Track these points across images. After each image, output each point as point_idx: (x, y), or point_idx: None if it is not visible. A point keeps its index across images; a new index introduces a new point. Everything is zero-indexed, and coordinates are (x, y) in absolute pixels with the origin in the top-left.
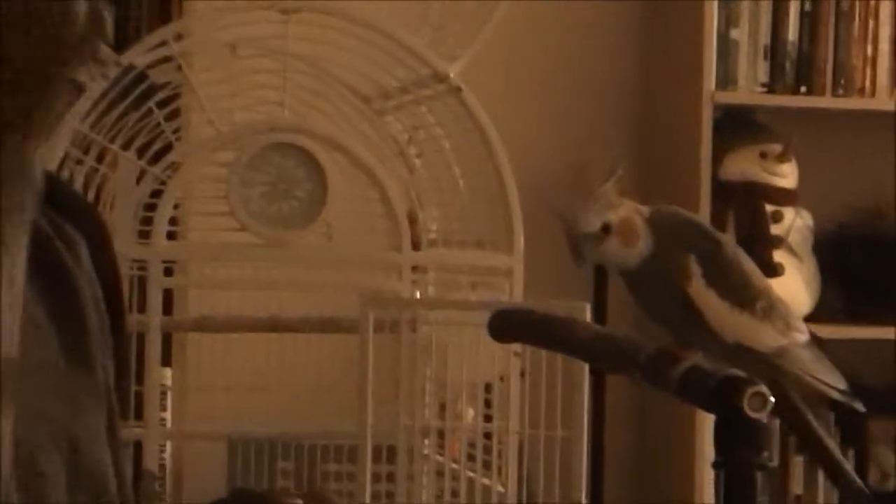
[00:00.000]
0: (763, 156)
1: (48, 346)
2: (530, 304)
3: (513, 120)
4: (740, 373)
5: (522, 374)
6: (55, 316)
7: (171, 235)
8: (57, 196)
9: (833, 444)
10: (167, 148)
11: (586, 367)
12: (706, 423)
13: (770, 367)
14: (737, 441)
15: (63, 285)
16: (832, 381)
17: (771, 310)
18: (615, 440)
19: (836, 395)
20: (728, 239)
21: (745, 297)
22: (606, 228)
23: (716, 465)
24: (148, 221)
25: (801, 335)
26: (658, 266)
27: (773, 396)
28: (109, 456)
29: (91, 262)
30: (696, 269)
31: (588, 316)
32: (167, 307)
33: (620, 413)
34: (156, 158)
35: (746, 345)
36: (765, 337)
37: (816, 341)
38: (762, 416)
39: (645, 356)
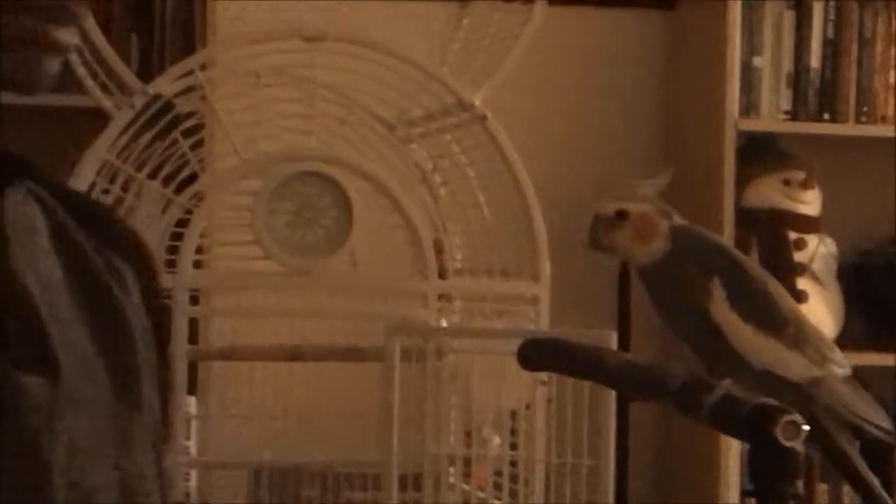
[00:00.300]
0: (786, 183)
1: (98, 383)
2: (558, 333)
3: (537, 147)
4: (773, 401)
5: (549, 402)
6: (105, 352)
7: (196, 264)
8: (105, 227)
9: (871, 475)
10: (193, 177)
11: (613, 394)
12: (731, 450)
13: (803, 396)
14: (770, 470)
15: (114, 320)
16: (874, 419)
17: (802, 338)
18: (639, 468)
19: (877, 434)
20: (755, 265)
21: (773, 323)
22: (622, 215)
23: (749, 494)
24: (173, 250)
25: (840, 368)
26: (672, 276)
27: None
28: (158, 493)
29: (139, 292)
30: (718, 291)
31: (614, 343)
32: (192, 336)
33: (644, 440)
34: (181, 187)
35: (776, 372)
36: (795, 365)
37: (859, 378)
38: (796, 445)
39: (677, 384)
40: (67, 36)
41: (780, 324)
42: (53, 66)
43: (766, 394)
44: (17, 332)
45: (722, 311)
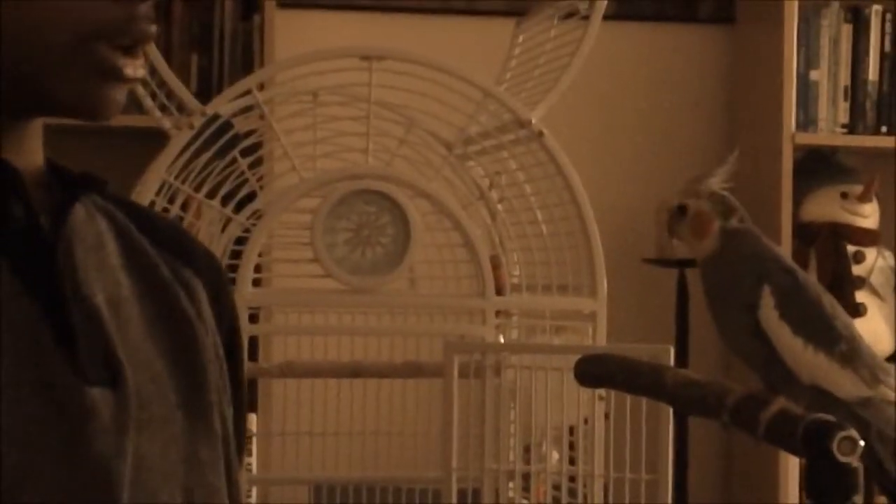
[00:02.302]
0: (844, 196)
1: (168, 401)
2: (615, 349)
3: (595, 163)
4: (829, 417)
5: (606, 417)
6: (175, 368)
7: (255, 282)
8: (176, 241)
9: None
10: (251, 196)
11: (670, 409)
12: (791, 466)
13: (851, 415)
14: (827, 485)
15: (183, 336)
16: None
17: (855, 357)
18: (699, 483)
19: None
20: (810, 279)
21: (824, 338)
22: (682, 209)
23: None
24: (233, 269)
25: (892, 391)
26: (724, 277)
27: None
28: None
29: (211, 308)
30: (769, 298)
31: (671, 359)
32: (252, 353)
33: (705, 456)
34: (240, 206)
35: (824, 388)
36: (845, 383)
37: None
38: (852, 460)
39: (733, 401)
40: (135, 69)
41: (832, 340)
42: (121, 97)
43: (814, 409)
44: (85, 348)
45: (771, 319)
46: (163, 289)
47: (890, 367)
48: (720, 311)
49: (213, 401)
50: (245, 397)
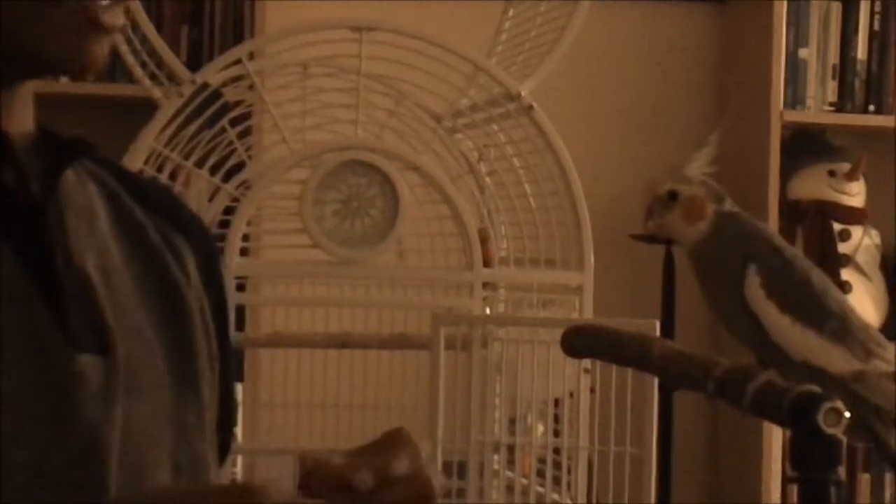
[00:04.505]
0: (832, 174)
1: (157, 368)
2: (602, 321)
3: (584, 138)
4: (815, 388)
5: (592, 391)
6: (164, 334)
7: (243, 252)
8: (166, 206)
9: None
10: (240, 166)
11: (656, 382)
12: (776, 438)
13: (844, 390)
14: (813, 457)
15: (172, 303)
16: None
17: (845, 332)
18: (684, 456)
19: None
20: (800, 256)
21: (813, 315)
22: (673, 196)
23: (792, 481)
24: (221, 239)
25: (887, 365)
26: (713, 260)
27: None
28: (212, 472)
29: (199, 273)
30: (754, 278)
31: (657, 333)
32: (240, 323)
33: (689, 429)
34: (229, 176)
35: (816, 364)
36: (836, 359)
37: None
38: (838, 432)
39: (720, 372)
40: (114, 17)
41: (821, 317)
42: (103, 48)
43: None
44: (75, 315)
45: (758, 298)
46: (152, 254)
47: (885, 340)
48: (713, 293)
49: (201, 367)
50: (232, 361)
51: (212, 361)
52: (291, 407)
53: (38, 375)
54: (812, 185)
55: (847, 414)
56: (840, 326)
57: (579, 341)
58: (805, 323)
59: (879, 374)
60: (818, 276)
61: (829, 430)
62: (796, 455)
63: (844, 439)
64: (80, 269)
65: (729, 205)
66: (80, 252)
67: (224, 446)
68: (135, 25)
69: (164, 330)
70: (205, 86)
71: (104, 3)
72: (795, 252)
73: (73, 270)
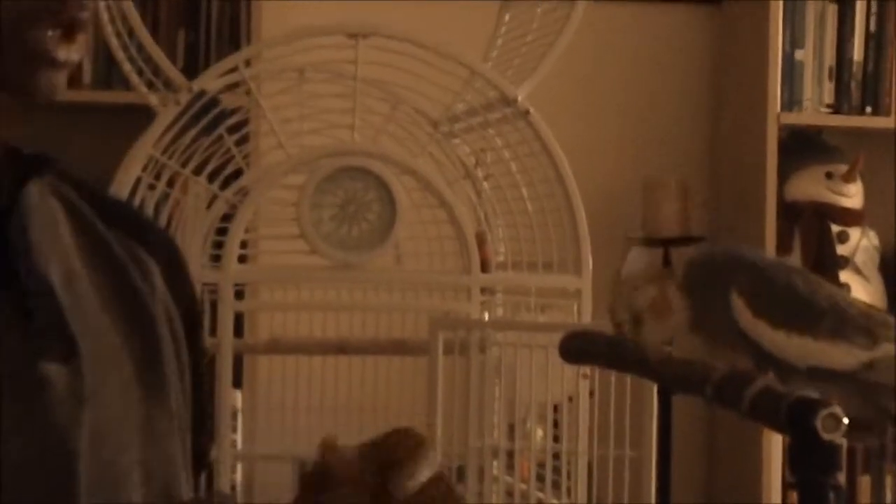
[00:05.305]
0: (829, 176)
1: (123, 374)
2: (600, 326)
3: (581, 141)
4: (813, 394)
5: (591, 395)
6: (130, 342)
7: (241, 259)
8: (129, 221)
9: None
10: (238, 172)
11: (655, 387)
12: (773, 442)
13: (857, 383)
14: (811, 463)
15: (137, 313)
16: None
17: (843, 327)
18: (682, 459)
19: None
20: (777, 264)
21: (804, 320)
22: (637, 319)
23: (791, 487)
24: (219, 245)
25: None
26: (704, 316)
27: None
28: (183, 478)
29: (166, 285)
30: (738, 301)
31: None
32: (238, 330)
33: (688, 433)
34: (227, 183)
35: (823, 367)
36: (839, 356)
37: None
38: (836, 438)
39: (717, 377)
40: (71, 53)
41: (813, 319)
42: (58, 79)
43: (820, 387)
44: (39, 323)
45: (747, 319)
46: (114, 266)
47: (891, 319)
48: (717, 342)
49: (169, 373)
50: (204, 370)
51: (181, 369)
52: (289, 412)
53: (3, 384)
54: (809, 186)
55: (846, 420)
56: (836, 322)
57: (577, 347)
58: (799, 331)
59: (890, 357)
60: (802, 278)
61: (828, 436)
62: (795, 460)
63: (844, 444)
64: (44, 280)
65: (681, 273)
66: (44, 264)
67: (200, 453)
68: (131, 32)
69: (129, 338)
70: (202, 93)
71: (62, 40)
72: (773, 261)
73: (37, 282)
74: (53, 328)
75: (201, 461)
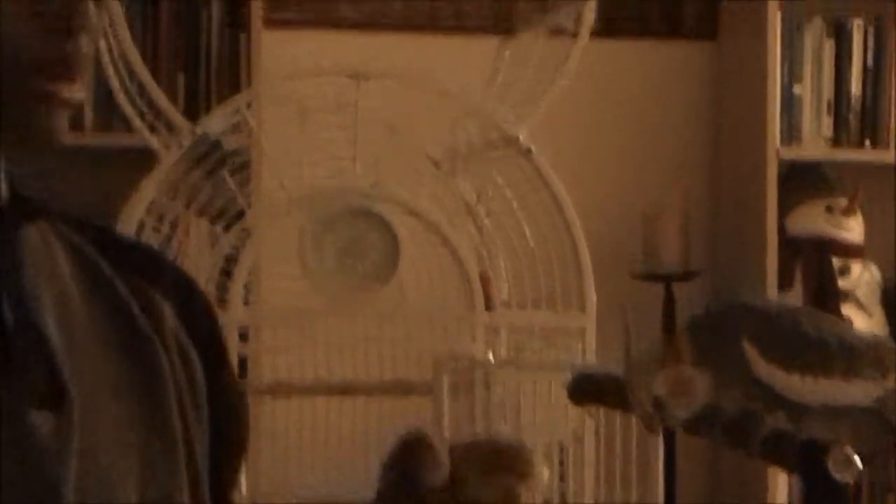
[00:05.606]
0: (829, 210)
1: (122, 416)
2: (606, 367)
3: (582, 178)
4: (824, 433)
5: (597, 433)
6: (132, 385)
7: (245, 300)
8: (138, 260)
9: None
10: (240, 213)
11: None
12: (780, 484)
13: (875, 416)
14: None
15: (140, 354)
16: None
17: (856, 363)
18: (687, 501)
19: None
20: (783, 308)
21: (816, 362)
22: (658, 404)
23: None
24: (222, 286)
25: None
26: (721, 371)
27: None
28: None
29: (182, 323)
30: (750, 349)
31: None
32: (241, 371)
33: (692, 474)
34: (229, 224)
35: (837, 404)
36: (855, 393)
37: None
38: (847, 478)
39: (726, 418)
40: (74, 92)
41: (825, 360)
42: (61, 121)
43: (830, 424)
44: (29, 371)
45: (761, 366)
46: (117, 305)
47: None
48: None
49: (174, 416)
50: (231, 409)
51: (198, 406)
52: (294, 454)
53: None
54: (810, 221)
55: (858, 461)
56: (847, 360)
57: (586, 389)
58: (814, 374)
59: None
60: (808, 317)
61: (839, 477)
62: (806, 501)
63: (853, 485)
64: (35, 325)
65: (686, 324)
66: (38, 309)
67: (219, 495)
68: (131, 74)
69: (131, 380)
70: (204, 136)
71: (63, 81)
72: (777, 304)
73: (29, 329)
74: (43, 376)
75: (221, 502)
